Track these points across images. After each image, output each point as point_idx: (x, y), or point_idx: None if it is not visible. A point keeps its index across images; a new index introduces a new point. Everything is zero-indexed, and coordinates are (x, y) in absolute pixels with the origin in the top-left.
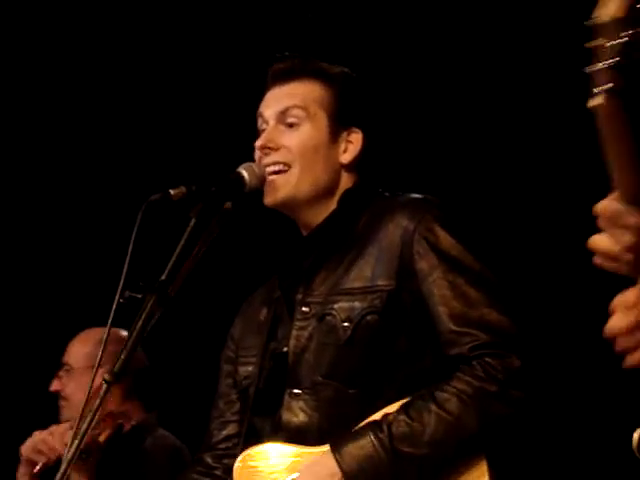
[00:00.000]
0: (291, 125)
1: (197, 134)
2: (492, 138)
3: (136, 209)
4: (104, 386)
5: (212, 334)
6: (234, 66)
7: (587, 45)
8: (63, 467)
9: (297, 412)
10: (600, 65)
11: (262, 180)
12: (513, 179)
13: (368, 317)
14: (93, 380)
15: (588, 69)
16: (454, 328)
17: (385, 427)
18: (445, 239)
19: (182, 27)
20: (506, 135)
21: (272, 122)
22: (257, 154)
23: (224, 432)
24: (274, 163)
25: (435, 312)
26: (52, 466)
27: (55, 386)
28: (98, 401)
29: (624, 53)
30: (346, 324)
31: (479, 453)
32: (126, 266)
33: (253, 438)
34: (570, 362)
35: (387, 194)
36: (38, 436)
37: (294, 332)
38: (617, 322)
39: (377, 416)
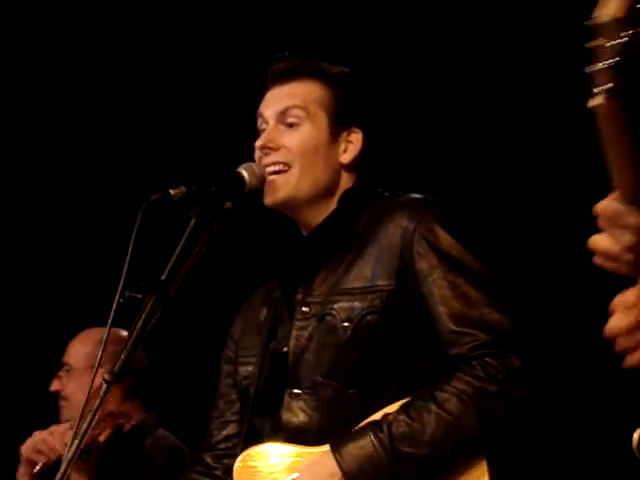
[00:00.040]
0: (291, 125)
1: (197, 134)
2: (492, 138)
3: (136, 209)
4: (104, 386)
5: (212, 334)
6: (234, 66)
7: (587, 45)
8: (63, 467)
9: (297, 412)
10: (600, 65)
11: (262, 180)
12: (513, 179)
13: (368, 317)
14: (93, 380)
15: (588, 69)
16: (454, 328)
17: (385, 427)
18: (445, 239)
19: (182, 27)
20: (506, 135)
21: (272, 122)
22: (257, 154)
23: (224, 432)
24: (274, 163)
25: (435, 312)
26: (52, 466)
27: (55, 386)
28: (98, 401)
29: (624, 53)
30: (346, 324)
31: (479, 453)
32: (126, 266)
33: (253, 438)
34: (570, 362)
35: (387, 194)
36: (38, 436)
37: (294, 332)
38: (617, 322)
39: (377, 416)
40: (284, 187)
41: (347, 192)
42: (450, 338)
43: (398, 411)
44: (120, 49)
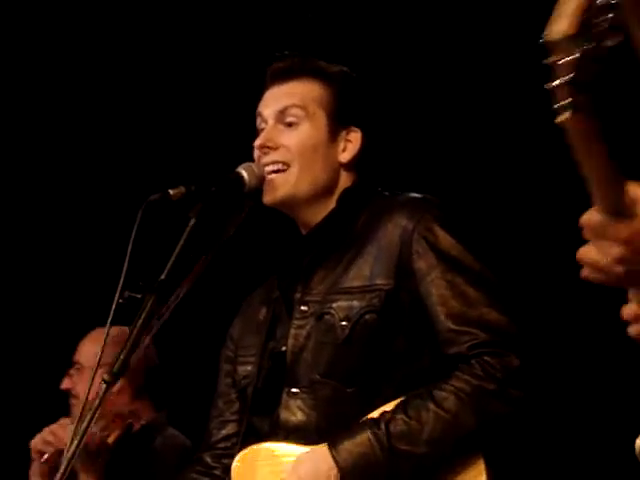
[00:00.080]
0: (290, 124)
1: (196, 134)
2: (492, 137)
3: (135, 209)
4: (103, 386)
5: (219, 333)
6: (233, 65)
7: (544, 62)
8: (63, 466)
9: (295, 411)
10: (557, 82)
11: (262, 180)
12: (512, 178)
13: (366, 316)
14: (93, 379)
15: (547, 86)
16: (453, 327)
17: (383, 425)
18: (444, 239)
19: (181, 27)
20: (506, 134)
21: (271, 121)
22: (256, 153)
23: (223, 431)
24: (273, 162)
25: (434, 311)
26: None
27: (66, 384)
28: (97, 401)
29: (579, 68)
30: (344, 323)
31: (477, 452)
32: (126, 266)
33: (252, 437)
34: (569, 361)
35: (386, 193)
36: (46, 429)
37: (292, 331)
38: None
39: (375, 414)
40: (283, 186)
41: (346, 191)
42: (449, 337)
43: (396, 409)
44: (120, 49)
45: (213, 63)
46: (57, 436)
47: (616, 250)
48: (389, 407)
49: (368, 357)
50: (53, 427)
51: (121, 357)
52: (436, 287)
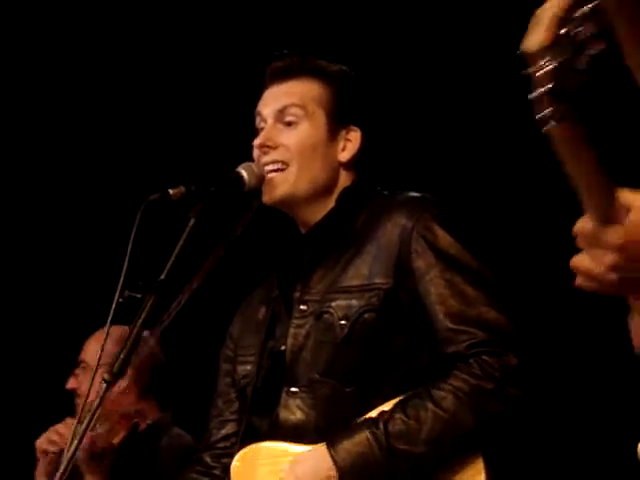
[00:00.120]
0: (289, 124)
1: (196, 134)
2: (491, 137)
3: (135, 209)
4: (103, 385)
5: (223, 332)
6: (233, 65)
7: (523, 73)
8: (63, 465)
9: (294, 410)
10: (536, 93)
11: (261, 179)
12: (511, 177)
13: (365, 315)
14: (93, 379)
15: (529, 97)
16: (451, 326)
17: (381, 424)
18: (443, 238)
19: (180, 27)
20: (505, 133)
21: (270, 121)
22: (256, 153)
23: (223, 431)
24: (272, 162)
25: (432, 310)
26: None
27: (71, 384)
28: (97, 400)
29: (557, 78)
30: (343, 322)
31: (476, 451)
32: (125, 266)
33: (251, 437)
34: (568, 359)
35: (386, 192)
36: (52, 428)
37: (292, 330)
38: None
39: (373, 413)
40: (282, 185)
41: (345, 190)
42: (447, 336)
43: (394, 409)
44: (119, 49)
45: (212, 63)
46: (62, 436)
47: (609, 258)
48: (388, 406)
49: (367, 356)
50: (58, 427)
51: (121, 356)
52: (435, 286)
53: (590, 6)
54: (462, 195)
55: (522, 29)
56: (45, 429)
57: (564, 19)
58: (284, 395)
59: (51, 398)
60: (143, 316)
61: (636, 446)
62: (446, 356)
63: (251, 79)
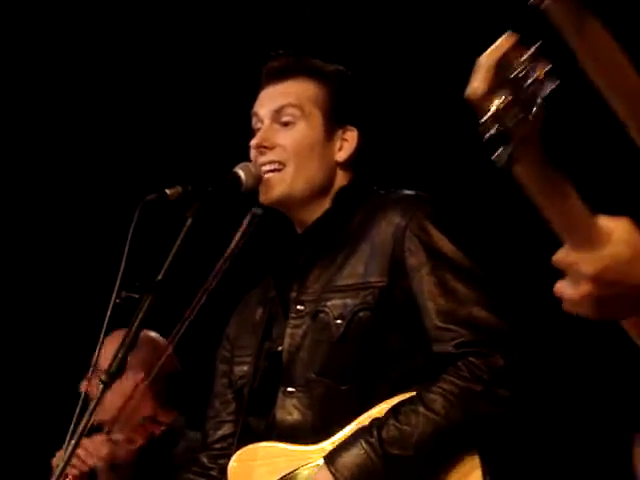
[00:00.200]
0: (286, 124)
1: (193, 134)
2: None
3: (132, 209)
4: (100, 386)
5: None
6: (229, 65)
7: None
8: (61, 467)
9: (291, 410)
10: (487, 136)
11: (258, 179)
12: (506, 176)
13: (360, 314)
14: (90, 378)
15: (484, 139)
16: (440, 324)
17: (375, 432)
18: (436, 236)
19: (178, 27)
20: None
21: (267, 121)
22: (253, 153)
23: (220, 432)
24: (269, 162)
25: (423, 308)
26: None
27: (85, 387)
28: (94, 402)
29: (501, 121)
30: (339, 321)
31: (472, 447)
32: (123, 266)
33: (248, 438)
34: (562, 357)
35: (382, 192)
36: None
37: (289, 330)
38: None
39: (366, 422)
40: (279, 185)
41: (341, 190)
42: (435, 335)
43: (387, 415)
44: (117, 49)
45: (209, 63)
46: (79, 457)
47: (583, 288)
48: (384, 405)
49: (363, 355)
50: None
51: (118, 356)
52: (426, 283)
53: (536, 46)
54: (457, 193)
55: (521, 30)
56: (57, 432)
57: (508, 63)
58: (281, 395)
59: (51, 398)
60: (140, 316)
61: (629, 442)
62: (435, 355)
63: (247, 79)
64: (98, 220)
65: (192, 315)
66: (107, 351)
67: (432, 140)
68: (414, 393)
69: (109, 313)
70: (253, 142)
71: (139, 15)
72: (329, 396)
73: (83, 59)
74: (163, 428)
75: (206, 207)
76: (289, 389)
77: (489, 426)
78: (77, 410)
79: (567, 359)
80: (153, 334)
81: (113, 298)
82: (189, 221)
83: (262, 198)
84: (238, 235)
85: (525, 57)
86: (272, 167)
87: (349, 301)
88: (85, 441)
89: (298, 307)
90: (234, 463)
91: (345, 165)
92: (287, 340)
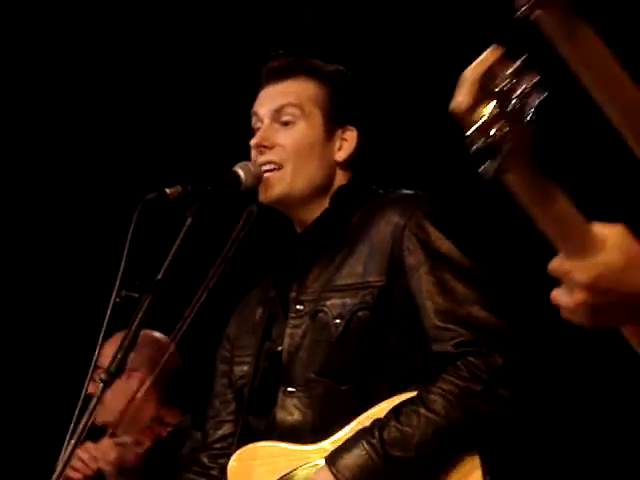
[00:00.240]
0: (286, 123)
1: (193, 133)
2: None
3: (132, 208)
4: (100, 385)
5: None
6: (229, 65)
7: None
8: (60, 468)
9: (291, 410)
10: (473, 149)
11: (258, 179)
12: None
13: (359, 313)
14: (88, 382)
15: (470, 152)
16: (439, 324)
17: (377, 433)
18: (435, 235)
19: (177, 27)
20: None
21: (267, 120)
22: (253, 152)
23: (220, 432)
24: (269, 162)
25: (422, 308)
26: None
27: (91, 389)
28: (94, 401)
29: (487, 134)
30: (338, 321)
31: (472, 447)
32: (122, 265)
33: (248, 437)
34: (561, 355)
35: (381, 191)
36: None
37: (288, 330)
38: None
39: (366, 422)
40: (279, 185)
41: (340, 189)
42: (434, 334)
43: (388, 416)
44: (117, 49)
45: (209, 62)
46: (83, 461)
47: (578, 296)
48: (384, 405)
49: (362, 354)
50: (78, 452)
51: (118, 356)
52: (425, 283)
53: (522, 59)
54: (456, 193)
55: (519, 30)
56: (61, 431)
57: (493, 76)
58: (281, 395)
59: (51, 398)
60: (140, 316)
61: (629, 442)
62: (434, 355)
63: (247, 79)
64: (98, 219)
65: (192, 313)
66: (108, 352)
67: (431, 140)
68: (413, 393)
69: (109, 312)
70: (253, 141)
71: (139, 15)
72: (329, 396)
73: (83, 59)
74: (169, 429)
75: (206, 206)
76: (289, 389)
77: (489, 426)
78: (77, 410)
79: (567, 359)
80: (157, 334)
81: (113, 297)
82: (189, 220)
83: (262, 197)
84: (234, 233)
85: (511, 70)
86: (272, 166)
87: (348, 301)
88: (90, 445)
89: (297, 307)
90: (234, 462)
91: (344, 165)
92: (287, 340)
